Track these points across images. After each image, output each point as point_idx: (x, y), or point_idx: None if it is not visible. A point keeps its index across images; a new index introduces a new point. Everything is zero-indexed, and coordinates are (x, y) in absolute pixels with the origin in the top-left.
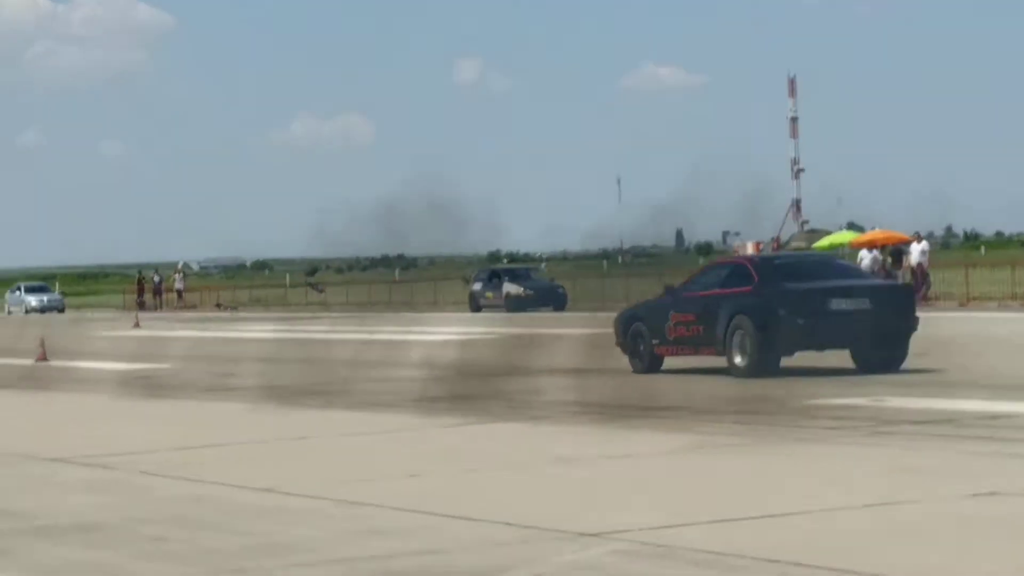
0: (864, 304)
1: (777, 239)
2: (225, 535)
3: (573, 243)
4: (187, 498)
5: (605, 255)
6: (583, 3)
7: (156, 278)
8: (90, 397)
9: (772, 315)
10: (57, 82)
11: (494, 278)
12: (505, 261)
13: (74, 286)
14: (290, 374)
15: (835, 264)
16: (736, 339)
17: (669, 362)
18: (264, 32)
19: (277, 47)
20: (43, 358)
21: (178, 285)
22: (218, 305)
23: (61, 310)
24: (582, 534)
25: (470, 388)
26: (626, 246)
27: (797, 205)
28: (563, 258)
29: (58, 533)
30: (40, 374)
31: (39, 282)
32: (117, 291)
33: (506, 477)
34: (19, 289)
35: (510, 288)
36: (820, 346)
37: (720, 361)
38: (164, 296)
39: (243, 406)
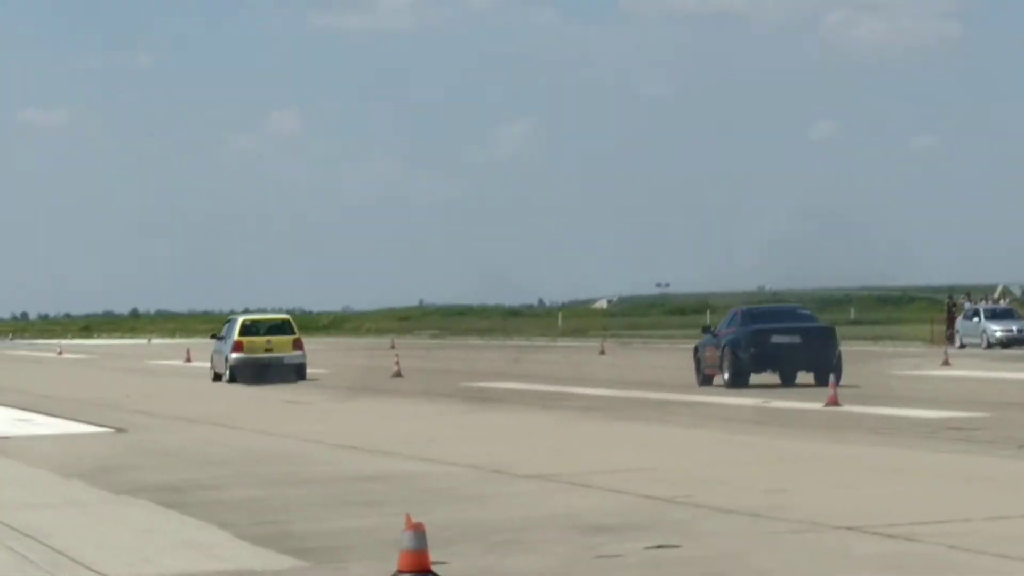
0: (796, 339)
1: None
2: None
3: None
4: None
5: None
6: None
7: (968, 303)
8: (892, 450)
9: (731, 346)
10: (857, 60)
11: None
12: None
13: (872, 312)
14: None
15: (795, 311)
16: (724, 364)
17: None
18: None
19: None
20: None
21: None
22: None
23: None
24: None
25: None
26: None
27: None
28: None
29: None
30: (835, 420)
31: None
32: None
33: None
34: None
35: None
36: (769, 366)
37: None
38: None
39: None
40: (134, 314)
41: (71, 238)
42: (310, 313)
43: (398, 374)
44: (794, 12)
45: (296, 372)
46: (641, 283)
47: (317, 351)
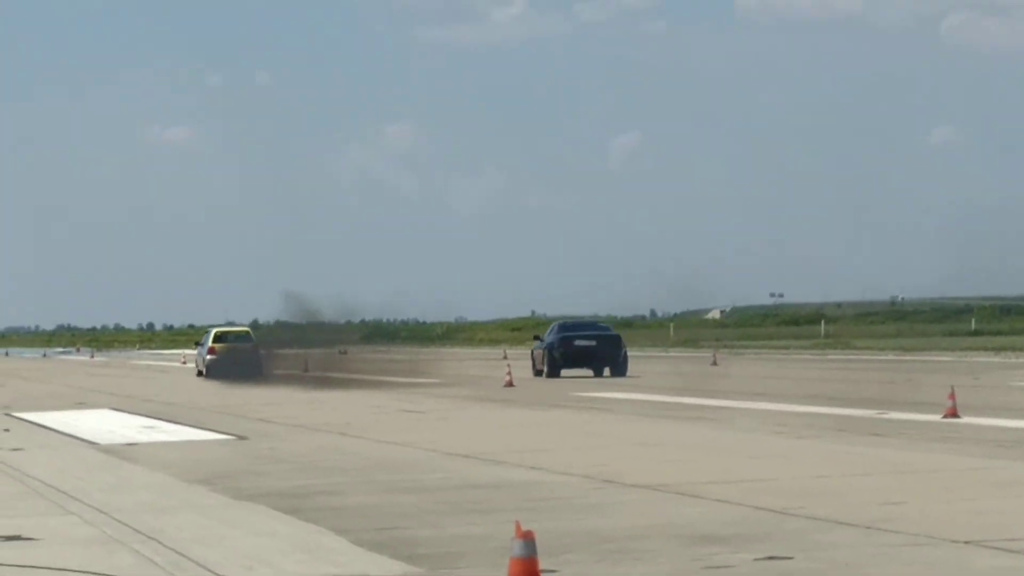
0: (592, 343)
1: None
2: None
3: None
4: None
5: None
6: None
7: None
8: (1012, 464)
9: (548, 349)
10: (977, 63)
11: None
12: None
13: (994, 322)
14: None
15: (595, 324)
16: (545, 361)
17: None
18: None
19: None
20: (953, 414)
21: None
22: None
23: None
24: None
25: None
26: None
27: None
28: None
29: None
30: (953, 432)
31: None
32: None
33: None
34: None
35: None
36: (574, 365)
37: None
38: None
39: None
40: (254, 324)
41: (194, 250)
42: (423, 324)
43: (510, 384)
44: (913, 16)
45: (254, 369)
46: (755, 293)
47: (430, 361)
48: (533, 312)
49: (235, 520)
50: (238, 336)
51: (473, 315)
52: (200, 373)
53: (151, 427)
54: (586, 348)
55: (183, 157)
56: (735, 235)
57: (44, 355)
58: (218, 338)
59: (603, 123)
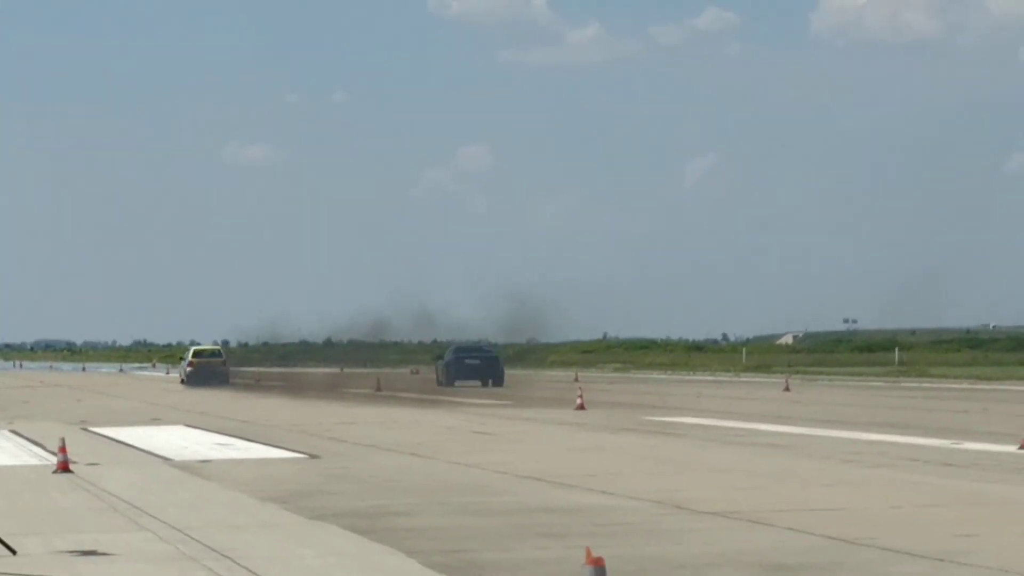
0: (479, 362)
1: None
2: None
3: None
4: None
5: None
6: None
7: None
8: None
9: (446, 365)
10: None
11: None
12: None
13: None
14: None
15: (481, 346)
16: (443, 375)
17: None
18: None
19: None
20: None
21: None
22: None
23: None
24: None
25: None
26: None
27: None
28: None
29: None
30: None
31: None
32: None
33: None
34: None
35: None
36: (465, 378)
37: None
38: None
39: None
40: (328, 343)
41: (271, 268)
42: (496, 345)
43: (581, 407)
44: (991, 40)
45: (222, 378)
46: (828, 319)
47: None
48: (605, 335)
49: (307, 539)
50: (212, 352)
51: (544, 337)
52: (182, 381)
53: (225, 444)
54: (473, 365)
55: (260, 175)
56: (809, 259)
57: (120, 370)
58: (196, 354)
59: (678, 145)
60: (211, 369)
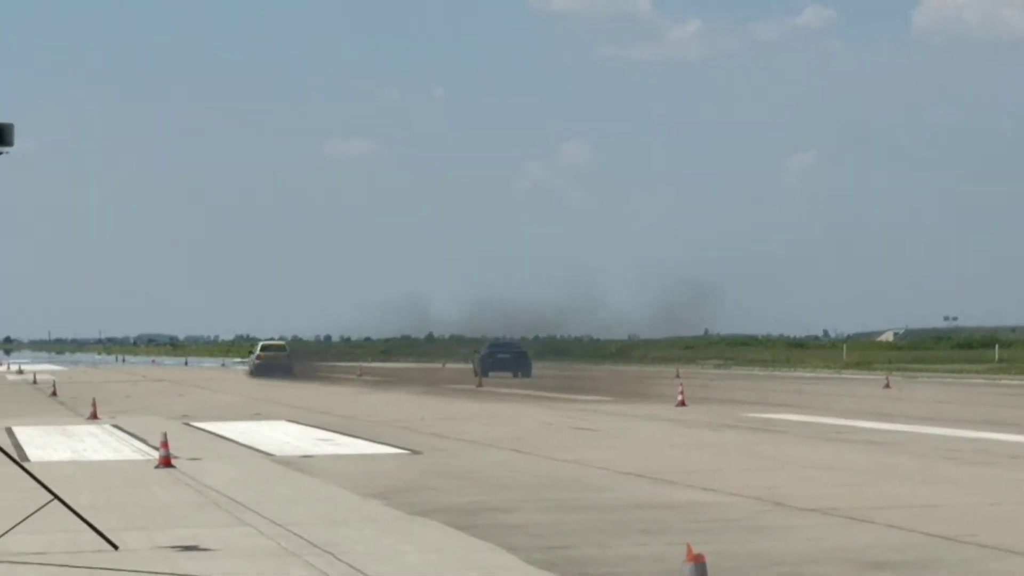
0: (509, 357)
1: None
2: None
3: None
4: None
5: None
6: None
7: None
8: None
9: (481, 359)
10: None
11: None
12: None
13: None
14: None
15: (512, 342)
16: (479, 367)
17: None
18: None
19: None
20: None
21: None
22: None
23: None
24: None
25: None
26: None
27: None
28: None
29: None
30: None
31: None
32: None
33: None
34: None
35: None
36: (498, 370)
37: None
38: None
39: None
40: (429, 339)
41: (370, 265)
42: (598, 341)
43: (682, 403)
44: None
45: (286, 370)
46: (929, 315)
47: (602, 378)
48: (706, 331)
49: (408, 535)
50: (277, 347)
51: (646, 333)
52: (251, 373)
53: (326, 439)
54: (504, 359)
55: (362, 169)
56: (910, 257)
57: (223, 365)
58: (263, 348)
59: (778, 141)
60: (276, 363)
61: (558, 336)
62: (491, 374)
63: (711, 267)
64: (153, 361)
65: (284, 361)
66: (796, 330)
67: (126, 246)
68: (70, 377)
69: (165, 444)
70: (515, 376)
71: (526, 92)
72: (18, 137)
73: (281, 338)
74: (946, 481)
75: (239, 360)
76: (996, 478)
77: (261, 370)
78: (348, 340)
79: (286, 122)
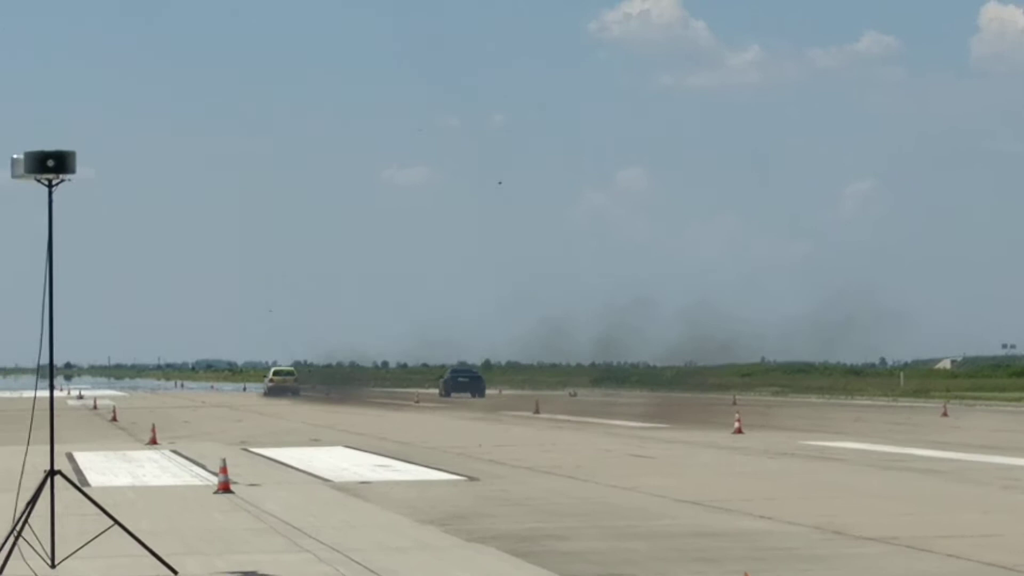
0: (467, 380)
1: None
2: None
3: None
4: None
5: None
6: None
7: None
8: None
9: (445, 382)
10: None
11: None
12: None
13: None
14: None
15: (471, 369)
16: (443, 389)
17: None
18: None
19: None
20: None
21: None
22: None
23: None
24: None
25: None
26: None
27: None
28: None
29: None
30: None
31: None
32: None
33: None
34: None
35: None
36: (458, 391)
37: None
38: None
39: None
40: (486, 365)
41: (428, 291)
42: (654, 368)
43: (739, 431)
44: None
45: (294, 392)
46: (987, 343)
47: (656, 404)
48: (763, 358)
49: (465, 562)
50: (286, 372)
51: (703, 360)
52: (264, 394)
53: (384, 465)
54: (463, 382)
55: (420, 197)
56: (968, 284)
57: None
58: (276, 372)
59: (836, 170)
60: (285, 386)
61: (614, 363)
62: (452, 395)
63: (764, 294)
64: (212, 387)
65: (292, 384)
66: (853, 358)
67: (185, 272)
68: (129, 402)
69: (224, 470)
70: (472, 396)
71: (585, 119)
72: (80, 164)
73: (339, 363)
74: (1005, 510)
75: None
76: None
77: (273, 391)
78: (404, 366)
79: (345, 150)
